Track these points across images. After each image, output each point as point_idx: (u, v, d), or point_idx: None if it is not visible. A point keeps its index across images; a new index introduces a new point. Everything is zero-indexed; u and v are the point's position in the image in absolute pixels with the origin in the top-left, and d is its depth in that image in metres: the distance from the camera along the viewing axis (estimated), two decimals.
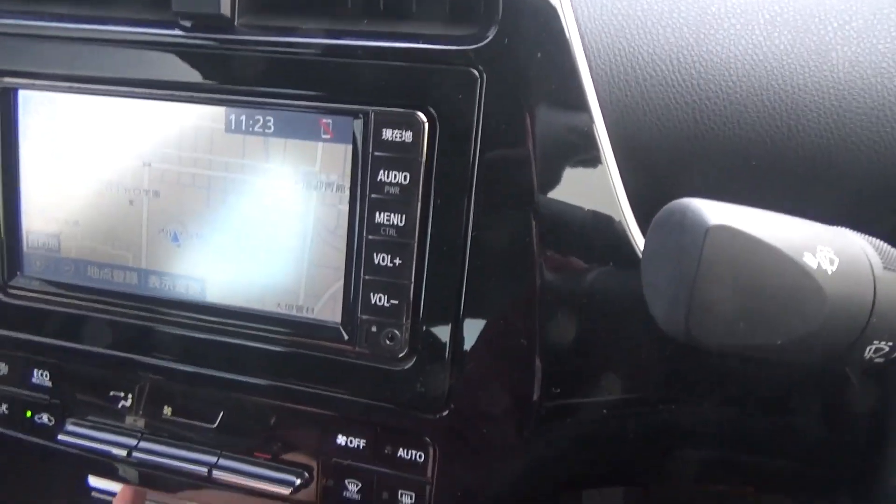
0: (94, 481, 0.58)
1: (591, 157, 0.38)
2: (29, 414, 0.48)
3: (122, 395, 0.46)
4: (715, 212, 0.24)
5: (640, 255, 0.36)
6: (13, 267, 0.47)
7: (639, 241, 0.37)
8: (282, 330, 0.42)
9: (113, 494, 0.58)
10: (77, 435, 0.46)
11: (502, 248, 0.38)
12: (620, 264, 0.38)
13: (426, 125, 0.38)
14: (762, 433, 0.39)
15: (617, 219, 0.37)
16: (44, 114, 0.45)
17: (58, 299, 0.46)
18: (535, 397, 0.38)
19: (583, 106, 0.37)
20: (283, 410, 0.43)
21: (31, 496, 0.68)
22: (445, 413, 0.39)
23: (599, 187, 0.38)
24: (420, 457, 0.41)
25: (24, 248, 0.47)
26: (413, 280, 0.39)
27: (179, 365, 0.44)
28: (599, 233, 0.38)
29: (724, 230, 0.24)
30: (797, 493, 0.46)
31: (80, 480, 0.59)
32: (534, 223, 0.37)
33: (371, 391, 0.41)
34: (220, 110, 0.42)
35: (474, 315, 0.39)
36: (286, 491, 0.42)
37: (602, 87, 0.38)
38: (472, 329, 0.39)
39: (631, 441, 0.41)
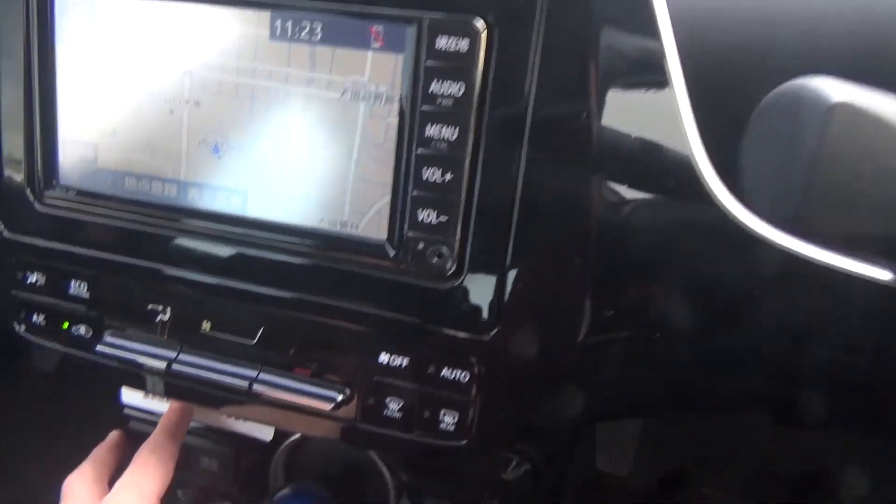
0: (127, 398, 0.59)
1: (658, 79, 0.36)
2: (66, 325, 0.48)
3: (160, 308, 0.46)
4: (838, 89, 0.23)
5: (706, 184, 0.35)
6: (49, 177, 0.46)
7: (702, 166, 0.36)
8: (325, 246, 0.41)
9: (145, 412, 0.59)
10: (115, 346, 0.46)
11: (558, 165, 0.37)
12: (683, 189, 0.36)
13: (484, 33, 0.36)
14: (819, 368, 0.38)
15: (682, 144, 0.36)
16: (82, 15, 0.43)
17: (95, 210, 0.45)
18: (587, 320, 0.38)
19: (652, 20, 0.35)
20: (324, 327, 0.42)
21: (64, 415, 0.69)
22: (493, 333, 0.39)
23: (665, 110, 0.36)
24: (464, 377, 0.40)
25: (61, 158, 0.45)
26: (464, 196, 0.38)
27: (218, 279, 0.43)
28: (663, 157, 0.37)
29: (848, 108, 0.22)
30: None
31: (112, 397, 0.59)
32: (593, 142, 0.36)
33: (416, 310, 0.40)
34: (265, 15, 0.40)
35: (526, 234, 0.37)
36: (327, 406, 0.42)
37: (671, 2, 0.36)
38: (523, 248, 0.38)
39: (679, 369, 0.40)
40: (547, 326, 0.39)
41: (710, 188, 0.35)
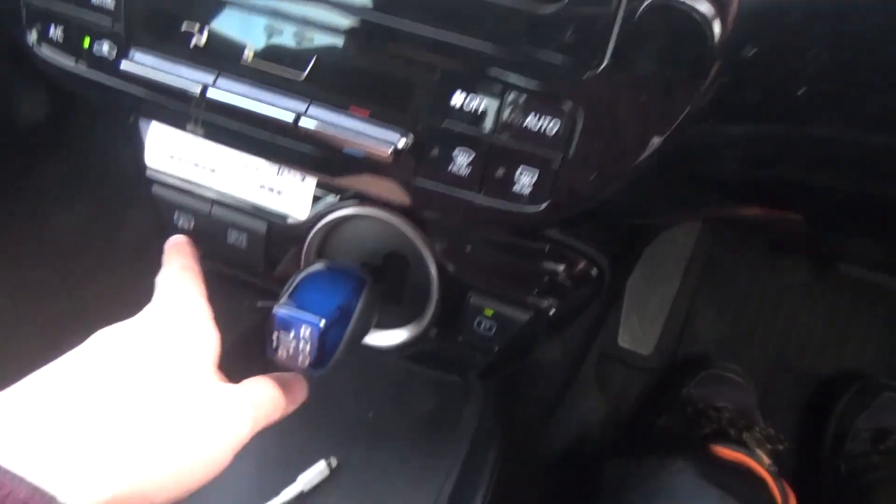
0: (150, 159, 0.53)
1: None
2: (87, 42, 0.42)
3: (196, 28, 0.39)
4: None
5: None
6: None
7: None
8: None
9: (169, 176, 0.54)
10: (143, 65, 0.39)
11: None
12: None
13: None
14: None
15: None
16: None
17: None
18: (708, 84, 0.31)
19: None
20: (388, 58, 0.36)
21: (82, 180, 0.64)
22: (601, 68, 0.32)
23: None
24: (553, 126, 0.34)
25: None
26: None
27: None
28: None
29: None
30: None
31: (135, 157, 0.54)
32: None
33: (507, 36, 0.33)
34: None
35: None
36: (385, 151, 0.36)
37: None
38: None
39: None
40: (666, 72, 0.32)
41: None
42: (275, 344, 0.42)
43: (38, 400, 0.32)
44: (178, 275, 0.42)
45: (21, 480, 0.27)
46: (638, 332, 1.19)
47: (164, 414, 0.34)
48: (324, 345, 0.42)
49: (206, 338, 0.38)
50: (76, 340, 0.35)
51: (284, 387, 0.41)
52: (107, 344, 0.36)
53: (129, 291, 0.44)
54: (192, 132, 0.42)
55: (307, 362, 0.42)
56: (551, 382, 0.88)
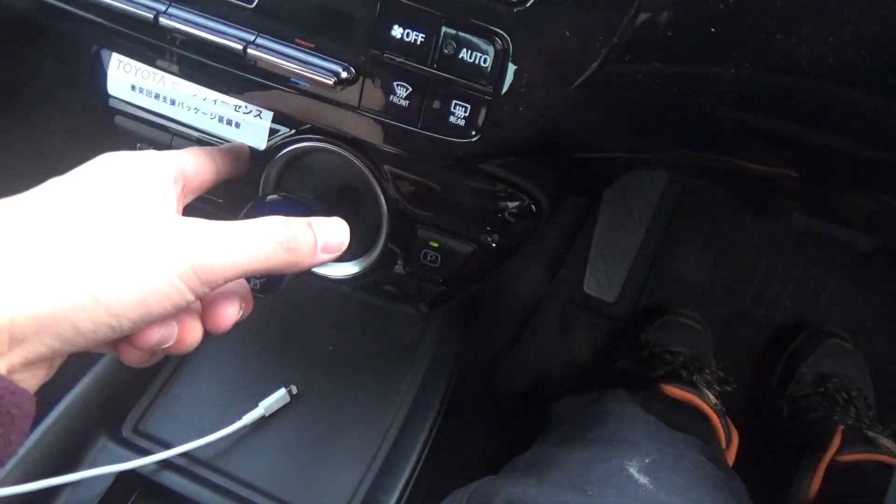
0: (113, 88, 0.55)
1: None
2: None
3: None
4: None
5: None
6: None
7: None
8: None
9: (131, 105, 0.55)
10: None
11: None
12: None
13: None
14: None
15: None
16: None
17: None
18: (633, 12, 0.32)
19: None
20: None
21: (49, 110, 0.65)
22: (528, 4, 0.34)
23: None
24: (485, 60, 0.36)
25: None
26: None
27: None
28: None
29: None
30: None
31: (98, 87, 0.55)
32: None
33: None
34: None
35: None
36: (328, 81, 0.38)
37: None
38: None
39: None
40: (590, 9, 0.34)
41: None
42: None
43: None
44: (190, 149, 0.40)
45: None
46: (604, 279, 1.23)
47: (83, 231, 0.30)
48: None
49: (161, 182, 0.35)
50: None
51: (288, 242, 0.35)
52: (52, 185, 0.32)
53: None
54: (146, 61, 0.43)
55: (257, 286, 0.44)
56: (509, 319, 0.91)
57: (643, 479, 0.48)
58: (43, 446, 0.59)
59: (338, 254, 0.38)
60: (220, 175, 0.42)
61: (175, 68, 0.43)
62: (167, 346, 0.34)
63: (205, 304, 0.37)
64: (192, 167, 0.39)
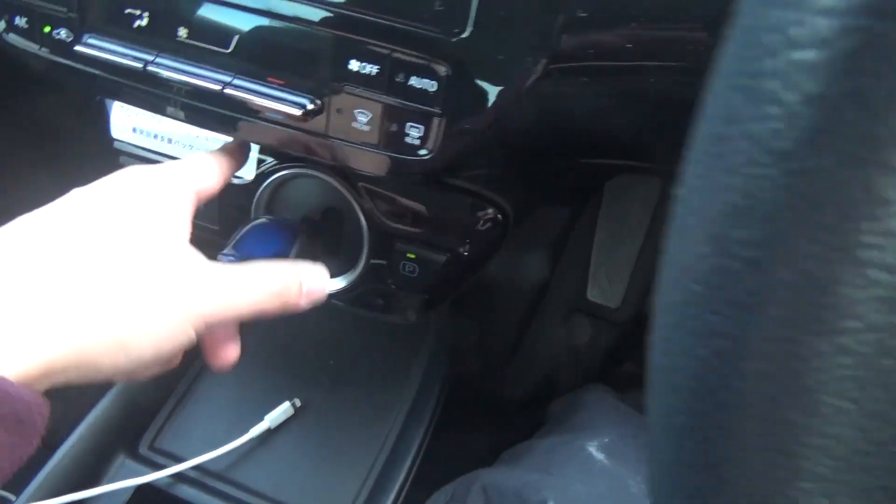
0: (116, 131, 0.60)
1: None
2: (47, 29, 0.48)
3: (138, 13, 0.45)
4: None
5: None
6: None
7: None
8: None
9: (134, 147, 0.60)
10: (94, 47, 0.46)
11: None
12: None
13: None
14: None
15: None
16: None
17: None
18: (558, 24, 0.37)
19: None
20: (297, 34, 0.42)
21: (53, 152, 0.71)
22: (465, 35, 0.38)
23: None
24: (432, 86, 0.40)
25: None
26: None
27: None
28: None
29: None
30: None
31: (101, 130, 0.60)
32: None
33: (389, 7, 0.39)
34: None
35: None
36: (297, 112, 0.42)
37: None
38: None
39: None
40: (519, 37, 0.38)
41: None
42: None
43: None
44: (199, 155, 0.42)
45: None
46: (606, 285, 1.25)
47: (111, 271, 0.31)
48: None
49: (179, 208, 0.37)
50: None
51: (285, 288, 0.39)
52: (74, 201, 0.34)
53: None
54: (143, 106, 0.48)
55: None
56: (505, 328, 0.94)
57: (600, 456, 0.51)
58: (66, 464, 0.64)
59: (320, 300, 0.41)
60: (227, 177, 0.44)
61: (169, 110, 0.48)
62: None
63: (207, 343, 0.40)
64: (204, 182, 0.41)
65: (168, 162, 0.41)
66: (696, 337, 0.16)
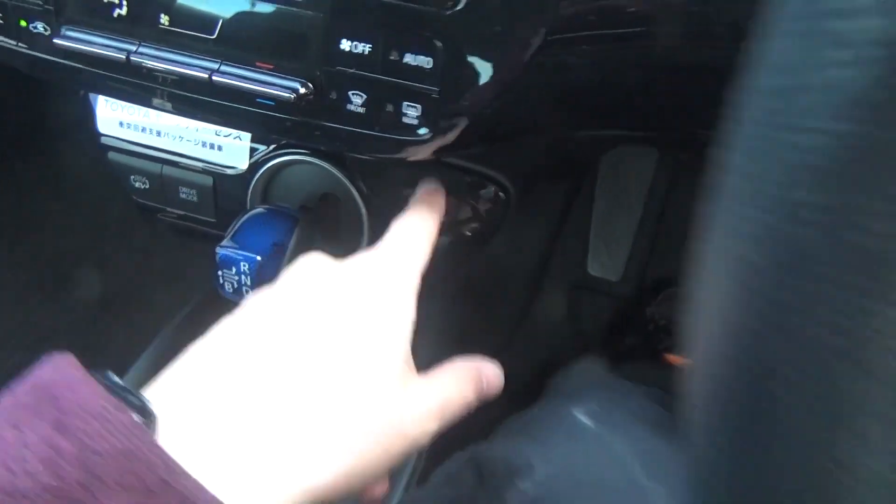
0: (103, 126, 0.58)
1: None
2: (24, 23, 0.46)
3: (116, 1, 0.44)
4: None
5: None
6: None
7: None
8: None
9: (122, 141, 0.58)
10: (74, 39, 0.44)
11: None
12: None
13: None
14: None
15: None
16: None
17: None
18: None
19: None
20: (283, 15, 0.40)
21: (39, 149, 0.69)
22: (459, 7, 0.36)
23: None
24: (428, 63, 0.38)
25: None
26: None
27: None
28: None
29: None
30: None
31: (88, 125, 0.59)
32: None
33: None
34: None
35: None
36: (289, 96, 0.41)
37: None
38: None
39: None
40: (516, 7, 0.36)
41: None
42: (221, 280, 0.48)
43: (201, 384, 0.28)
44: (411, 229, 0.40)
45: (201, 489, 0.24)
46: (606, 259, 1.24)
47: (344, 404, 0.29)
48: (262, 278, 0.47)
49: (404, 313, 0.34)
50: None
51: (477, 381, 0.37)
52: (286, 309, 0.32)
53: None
54: (129, 99, 0.47)
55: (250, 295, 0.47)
56: (507, 306, 0.94)
57: (588, 422, 0.51)
58: None
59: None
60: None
61: (155, 102, 0.46)
62: None
63: None
64: (426, 257, 0.38)
65: (385, 246, 0.39)
66: (760, 317, 0.14)
